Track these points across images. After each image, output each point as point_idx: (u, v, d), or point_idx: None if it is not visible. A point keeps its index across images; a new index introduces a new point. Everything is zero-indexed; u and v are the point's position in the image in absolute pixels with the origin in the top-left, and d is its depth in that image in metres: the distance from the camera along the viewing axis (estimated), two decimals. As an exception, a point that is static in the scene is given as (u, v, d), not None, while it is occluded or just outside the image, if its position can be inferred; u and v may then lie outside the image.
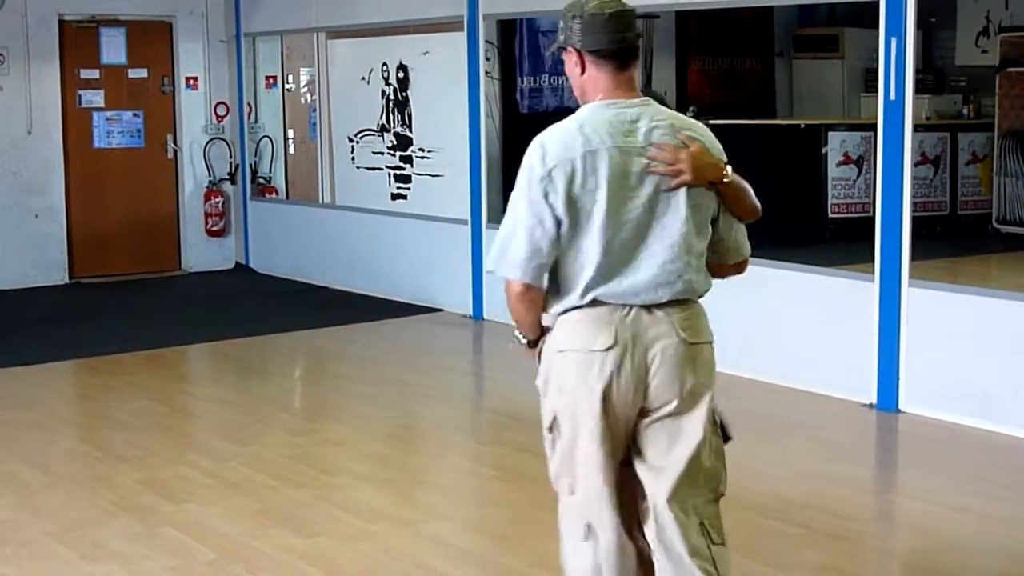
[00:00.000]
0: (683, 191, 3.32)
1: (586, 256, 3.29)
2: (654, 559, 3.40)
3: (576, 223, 3.28)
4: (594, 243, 3.28)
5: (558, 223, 3.28)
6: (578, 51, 3.36)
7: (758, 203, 3.55)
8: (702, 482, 3.39)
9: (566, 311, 3.35)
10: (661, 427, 3.37)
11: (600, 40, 3.33)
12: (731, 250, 3.50)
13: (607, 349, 3.29)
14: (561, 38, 3.41)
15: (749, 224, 3.57)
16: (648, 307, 3.31)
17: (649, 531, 3.39)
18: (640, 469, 3.40)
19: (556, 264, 3.33)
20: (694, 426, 3.36)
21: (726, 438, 3.51)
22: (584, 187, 3.27)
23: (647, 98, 3.43)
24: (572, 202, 3.27)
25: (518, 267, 3.32)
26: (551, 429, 3.44)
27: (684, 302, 3.36)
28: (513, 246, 3.32)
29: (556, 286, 3.37)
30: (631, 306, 3.31)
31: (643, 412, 3.36)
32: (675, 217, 3.32)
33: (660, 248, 3.31)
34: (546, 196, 3.26)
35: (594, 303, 3.31)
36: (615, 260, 3.29)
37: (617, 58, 3.36)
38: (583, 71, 3.38)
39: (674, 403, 3.34)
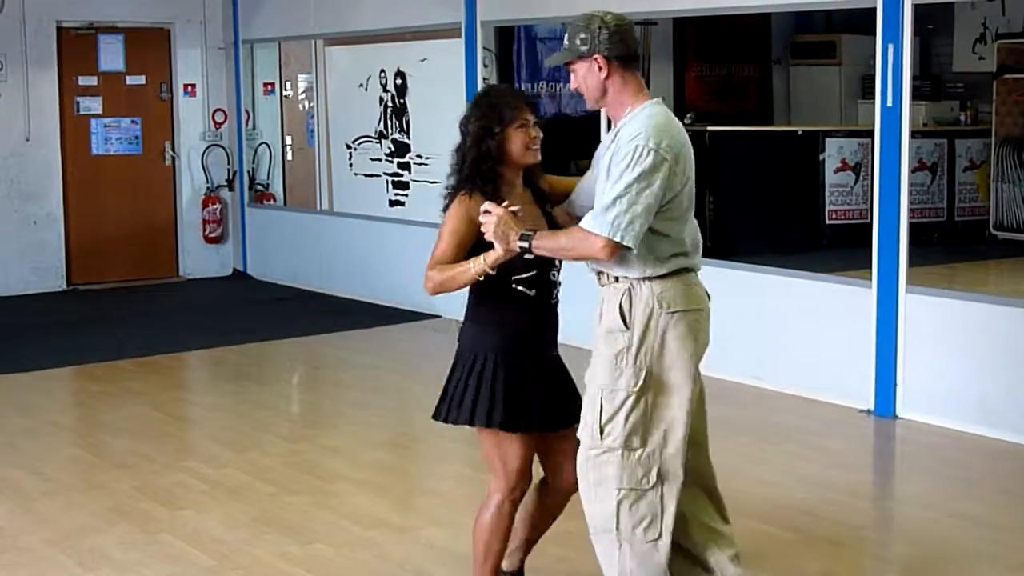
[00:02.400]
0: None
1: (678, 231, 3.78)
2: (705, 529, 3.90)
3: (672, 203, 3.73)
4: (687, 218, 3.81)
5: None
6: (606, 57, 3.76)
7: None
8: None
9: (661, 276, 3.75)
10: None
11: (626, 47, 3.79)
12: None
13: (707, 310, 3.82)
14: (583, 48, 3.76)
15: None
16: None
17: (702, 503, 3.90)
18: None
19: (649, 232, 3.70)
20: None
21: None
22: (684, 174, 3.74)
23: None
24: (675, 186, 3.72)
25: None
26: (642, 386, 3.71)
27: None
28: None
29: (652, 254, 3.73)
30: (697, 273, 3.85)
31: None
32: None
33: (694, 225, 3.87)
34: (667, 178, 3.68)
35: (690, 269, 3.81)
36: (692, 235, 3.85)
37: (637, 62, 3.87)
38: (608, 76, 3.77)
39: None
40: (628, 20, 3.83)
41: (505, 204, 3.83)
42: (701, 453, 3.90)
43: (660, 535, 3.74)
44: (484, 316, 4.09)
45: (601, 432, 3.72)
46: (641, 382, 3.70)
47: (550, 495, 4.25)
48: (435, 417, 4.21)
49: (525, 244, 3.77)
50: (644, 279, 3.73)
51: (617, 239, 3.61)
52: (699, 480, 3.89)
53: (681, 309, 3.73)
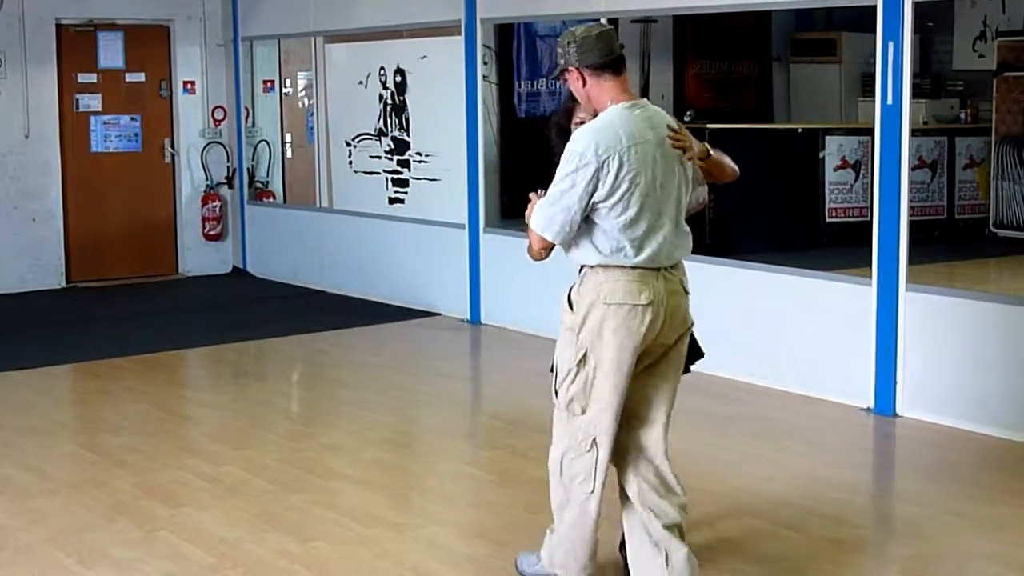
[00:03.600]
0: (681, 167, 4.15)
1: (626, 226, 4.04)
2: (644, 495, 4.19)
3: (619, 201, 4.02)
4: (633, 216, 4.04)
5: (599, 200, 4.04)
6: (578, 69, 4.13)
7: (735, 165, 4.51)
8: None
9: (608, 268, 4.06)
10: (653, 372, 4.18)
11: (596, 56, 4.11)
12: (688, 210, 4.31)
13: (648, 304, 4.04)
14: (561, 62, 4.18)
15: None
16: (665, 269, 4.10)
17: (647, 471, 4.19)
18: (634, 424, 4.18)
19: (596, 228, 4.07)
20: (676, 370, 4.24)
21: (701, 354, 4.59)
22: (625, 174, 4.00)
23: (642, 98, 4.22)
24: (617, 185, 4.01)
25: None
26: (581, 362, 4.09)
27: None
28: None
29: (594, 246, 4.07)
30: (660, 269, 4.08)
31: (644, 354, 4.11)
32: (679, 189, 4.15)
33: (669, 219, 4.10)
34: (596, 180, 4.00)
35: (635, 267, 4.04)
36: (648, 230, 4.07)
37: (611, 68, 4.13)
38: (584, 84, 4.14)
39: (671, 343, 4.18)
40: (598, 29, 4.16)
41: (539, 191, 4.22)
42: (652, 430, 4.21)
43: (593, 490, 4.17)
44: None
45: (556, 393, 4.20)
46: (579, 359, 4.10)
47: None
48: None
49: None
50: (592, 268, 4.10)
51: (540, 233, 4.09)
52: (644, 453, 4.22)
53: (617, 302, 4.04)
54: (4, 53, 11.09)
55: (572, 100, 4.50)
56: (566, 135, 4.36)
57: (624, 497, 4.26)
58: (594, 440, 4.14)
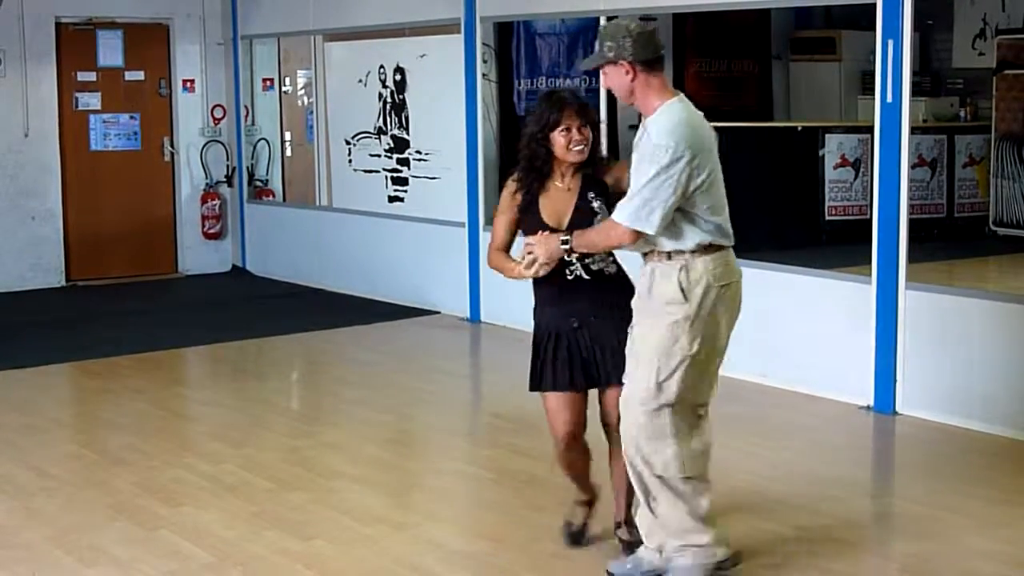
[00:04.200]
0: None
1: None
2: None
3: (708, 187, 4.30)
4: (718, 199, 4.37)
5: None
6: (630, 62, 4.25)
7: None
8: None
9: (710, 250, 4.34)
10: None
11: (649, 51, 4.29)
12: None
13: (740, 279, 4.47)
14: (611, 55, 4.28)
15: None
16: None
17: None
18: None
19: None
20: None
21: None
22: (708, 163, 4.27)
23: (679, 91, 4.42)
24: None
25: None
26: (697, 349, 4.29)
27: None
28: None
29: (697, 230, 4.32)
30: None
31: None
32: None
33: (725, 204, 4.43)
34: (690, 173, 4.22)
35: (731, 247, 4.42)
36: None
37: (660, 64, 4.35)
38: (634, 78, 4.28)
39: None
40: (651, 27, 4.36)
41: (541, 233, 4.48)
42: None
43: (695, 476, 4.36)
44: (534, 298, 4.75)
45: (659, 389, 4.25)
46: (697, 347, 4.27)
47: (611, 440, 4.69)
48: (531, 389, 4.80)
49: (566, 247, 4.41)
50: (695, 254, 4.29)
51: (637, 227, 4.19)
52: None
53: (725, 282, 4.35)
54: (3, 52, 11.09)
55: (554, 110, 4.52)
56: (543, 151, 4.52)
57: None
58: (699, 415, 4.38)
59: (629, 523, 4.71)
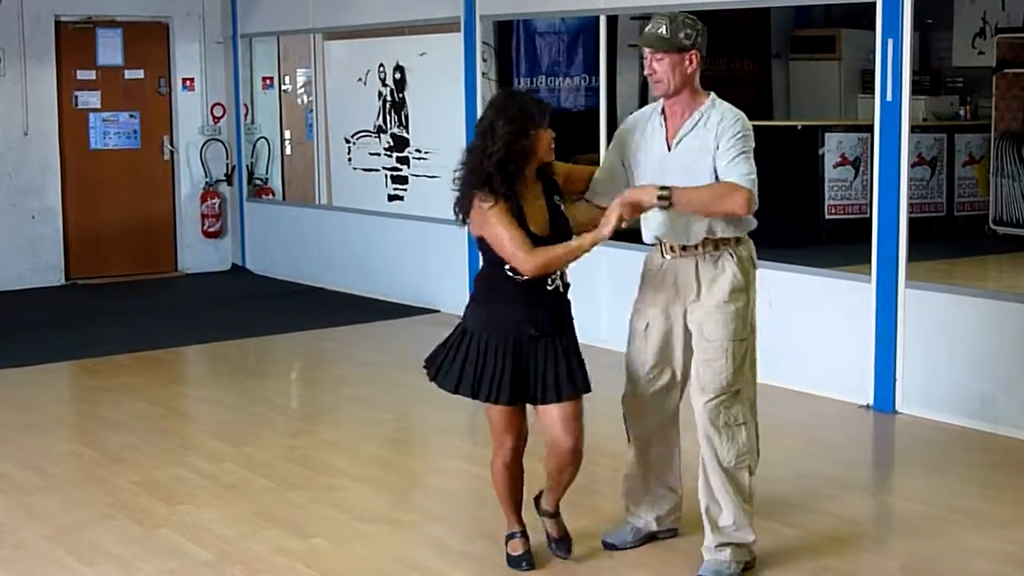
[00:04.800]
0: None
1: None
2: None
3: None
4: None
5: None
6: (699, 53, 4.41)
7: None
8: None
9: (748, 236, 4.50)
10: None
11: (705, 48, 4.45)
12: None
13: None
14: (688, 43, 4.36)
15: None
16: None
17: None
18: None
19: None
20: None
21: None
22: None
23: None
24: None
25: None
26: (751, 334, 4.47)
27: None
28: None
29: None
30: None
31: None
32: None
33: None
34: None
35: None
36: None
37: None
38: (695, 69, 4.41)
39: None
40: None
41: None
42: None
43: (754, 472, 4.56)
44: (481, 296, 4.53)
45: (733, 378, 4.37)
46: (750, 330, 4.45)
47: (551, 452, 4.60)
48: (430, 377, 4.73)
49: (665, 202, 4.23)
50: (738, 240, 4.43)
51: (755, 197, 4.26)
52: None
53: (757, 266, 4.53)
54: (3, 50, 11.08)
55: (535, 107, 4.37)
56: (526, 150, 4.30)
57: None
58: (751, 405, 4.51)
59: (556, 515, 4.79)
